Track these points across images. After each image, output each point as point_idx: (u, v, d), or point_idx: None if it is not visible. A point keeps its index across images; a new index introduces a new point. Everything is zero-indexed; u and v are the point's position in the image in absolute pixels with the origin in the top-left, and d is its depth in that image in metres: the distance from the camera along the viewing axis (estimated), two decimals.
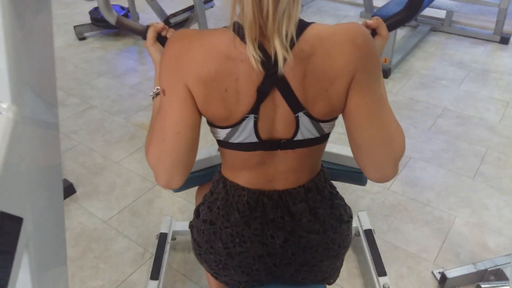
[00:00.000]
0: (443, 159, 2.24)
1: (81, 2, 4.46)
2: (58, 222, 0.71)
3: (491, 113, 2.64)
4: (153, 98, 1.01)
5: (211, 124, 0.89)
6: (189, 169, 0.88)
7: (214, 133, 0.90)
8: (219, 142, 0.91)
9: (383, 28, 0.98)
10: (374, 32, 0.98)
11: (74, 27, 3.71)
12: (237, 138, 0.87)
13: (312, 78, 0.80)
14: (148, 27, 1.03)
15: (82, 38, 3.68)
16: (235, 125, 0.84)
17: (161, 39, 1.02)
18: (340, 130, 2.62)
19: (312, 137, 0.88)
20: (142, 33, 1.07)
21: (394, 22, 1.02)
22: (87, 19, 3.75)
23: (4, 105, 0.52)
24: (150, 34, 1.02)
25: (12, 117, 0.52)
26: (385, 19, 0.99)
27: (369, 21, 0.98)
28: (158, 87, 0.99)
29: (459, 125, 2.54)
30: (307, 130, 0.86)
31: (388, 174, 0.85)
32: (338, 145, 1.36)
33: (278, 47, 0.75)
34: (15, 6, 0.51)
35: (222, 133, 0.87)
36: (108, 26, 3.73)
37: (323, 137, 0.90)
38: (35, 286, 0.57)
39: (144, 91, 2.96)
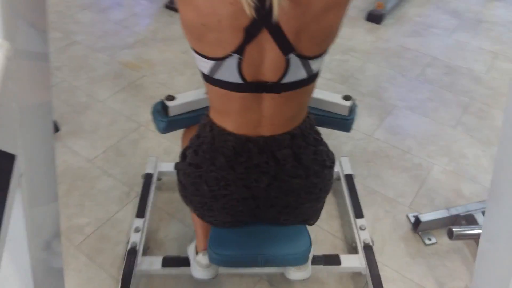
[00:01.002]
0: (427, 108, 2.27)
1: None
2: (49, 159, 0.71)
3: (479, 64, 2.65)
4: None
5: (194, 50, 0.87)
6: None
7: (198, 65, 0.89)
8: (204, 76, 0.90)
9: None
10: None
11: None
12: (220, 75, 0.86)
13: (302, 15, 0.78)
14: None
15: None
16: (217, 60, 0.83)
17: None
18: (328, 76, 2.60)
19: (300, 78, 0.87)
20: None
21: None
22: None
23: None
24: None
25: (4, 53, 0.50)
26: None
27: None
28: None
29: (446, 74, 2.54)
30: (296, 71, 0.85)
31: None
32: (324, 91, 1.36)
33: None
34: None
35: (205, 65, 0.86)
36: None
37: (311, 78, 0.90)
38: (28, 222, 0.59)
39: (130, 27, 2.86)
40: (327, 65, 2.50)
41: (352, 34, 2.88)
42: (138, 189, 1.73)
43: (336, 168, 1.80)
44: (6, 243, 0.49)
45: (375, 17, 3.01)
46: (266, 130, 0.95)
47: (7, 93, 0.51)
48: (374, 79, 2.46)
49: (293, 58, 0.83)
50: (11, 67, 0.52)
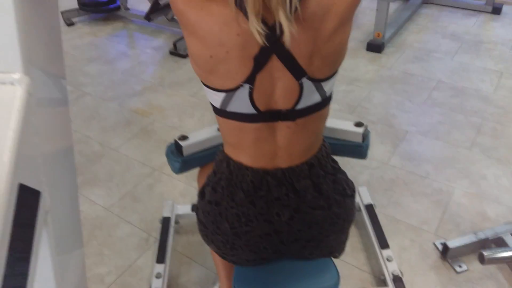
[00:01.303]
0: (440, 132, 2.25)
1: None
2: (73, 199, 0.70)
3: (485, 84, 2.65)
4: None
5: (205, 85, 0.87)
6: None
7: (210, 99, 0.89)
8: (216, 111, 0.89)
9: None
10: None
11: (62, 12, 3.63)
12: (232, 107, 0.85)
13: (312, 39, 0.79)
14: None
15: (70, 24, 3.61)
16: (228, 91, 0.83)
17: None
18: (335, 107, 2.62)
19: (315, 102, 0.87)
20: None
21: None
22: (74, 4, 3.67)
23: (16, 76, 0.51)
24: None
25: (25, 88, 0.51)
26: None
27: None
28: None
29: (454, 97, 2.54)
30: (310, 95, 0.85)
31: None
32: (335, 120, 1.36)
33: (283, 20, 0.74)
34: None
35: (217, 98, 0.85)
36: (96, 10, 3.66)
37: (325, 101, 0.89)
38: (56, 267, 0.57)
39: (137, 75, 2.93)
40: (334, 97, 2.51)
41: (355, 64, 2.92)
42: (156, 234, 1.71)
43: (356, 199, 1.76)
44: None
45: (375, 47, 3.06)
46: (283, 161, 0.94)
47: (30, 128, 0.51)
48: (382, 107, 2.46)
49: (306, 82, 0.82)
50: (32, 102, 0.52)
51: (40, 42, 0.58)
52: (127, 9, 3.67)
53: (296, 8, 0.74)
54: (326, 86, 0.87)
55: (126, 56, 3.19)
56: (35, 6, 0.55)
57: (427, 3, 3.75)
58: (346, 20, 0.81)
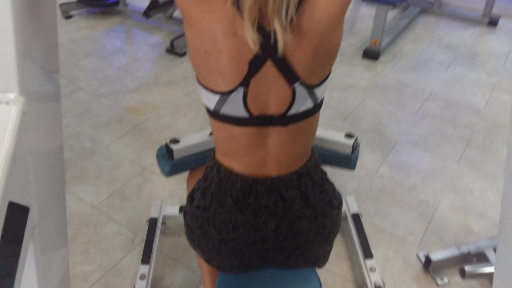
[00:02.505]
0: (430, 143, 2.28)
1: None
2: (60, 207, 0.72)
3: (477, 97, 2.68)
4: None
5: (202, 85, 0.88)
6: None
7: (205, 101, 0.90)
8: (210, 113, 0.91)
9: None
10: None
11: (60, 5, 3.61)
12: (226, 110, 0.86)
13: (307, 45, 0.80)
14: None
15: (68, 17, 3.59)
16: (223, 94, 0.84)
17: None
18: (328, 113, 2.63)
19: (306, 108, 0.88)
20: None
21: None
22: None
23: (12, 96, 0.52)
24: None
25: (19, 107, 0.52)
26: None
27: None
28: None
29: (446, 108, 2.57)
30: (302, 101, 0.86)
31: None
32: (326, 129, 1.37)
33: (278, 29, 0.75)
34: None
35: (212, 100, 0.86)
36: (94, 4, 3.64)
37: (316, 107, 0.90)
38: (39, 270, 0.59)
39: (132, 72, 2.92)
40: (327, 103, 2.54)
41: (350, 71, 2.94)
42: (143, 234, 1.71)
43: (343, 207, 1.78)
44: None
45: (371, 54, 3.08)
46: (273, 169, 0.95)
47: (22, 146, 0.52)
48: (374, 115, 2.48)
49: (298, 87, 0.84)
50: (26, 121, 0.53)
51: (35, 35, 0.59)
52: (126, 4, 3.66)
53: (292, 18, 0.75)
54: (318, 92, 0.88)
55: (122, 52, 3.18)
56: (35, 27, 0.56)
57: (425, 13, 3.78)
58: (338, 21, 0.82)
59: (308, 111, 0.89)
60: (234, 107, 0.85)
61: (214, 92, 0.85)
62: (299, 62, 0.81)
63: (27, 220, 0.53)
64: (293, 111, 0.87)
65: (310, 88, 0.85)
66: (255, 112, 0.86)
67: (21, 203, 0.52)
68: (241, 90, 0.82)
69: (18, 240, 0.51)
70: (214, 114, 0.89)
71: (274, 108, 0.86)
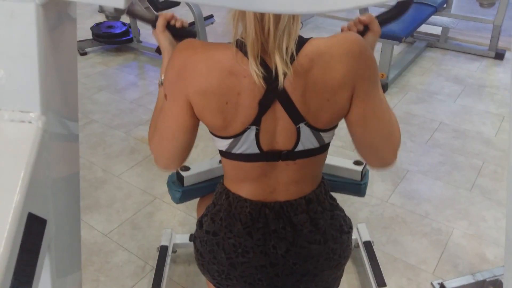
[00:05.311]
0: (440, 172, 2.27)
1: (83, 18, 4.52)
2: (75, 227, 0.74)
3: (487, 127, 2.68)
4: (159, 85, 1.05)
5: (212, 133, 0.92)
6: (184, 159, 0.97)
7: (216, 144, 0.93)
8: (221, 152, 0.94)
9: (375, 24, 1.01)
10: (366, 28, 1.01)
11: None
12: (239, 149, 0.89)
13: (312, 90, 0.83)
14: (157, 16, 1.08)
15: (83, 53, 3.72)
16: (236, 136, 0.87)
17: (170, 28, 1.06)
18: (338, 144, 2.64)
19: (313, 147, 0.90)
20: (152, 21, 1.11)
21: (385, 18, 1.05)
22: (88, 35, 3.80)
23: (34, 115, 0.55)
24: (160, 22, 1.07)
25: (41, 126, 0.55)
26: (377, 16, 1.03)
27: (362, 17, 1.01)
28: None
29: (456, 138, 2.57)
30: (307, 140, 0.89)
31: (391, 162, 0.93)
32: (336, 157, 1.39)
33: (278, 63, 0.79)
34: (47, 21, 0.55)
35: (224, 143, 0.90)
36: (109, 41, 3.78)
37: (323, 147, 0.93)
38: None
39: (145, 105, 2.99)
40: (337, 133, 2.55)
41: None
42: (154, 262, 1.71)
43: (354, 235, 1.76)
44: None
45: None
46: (281, 195, 0.97)
47: (42, 162, 0.55)
48: None
49: (303, 128, 0.87)
50: (46, 139, 0.57)
51: (57, 87, 0.63)
52: (139, 41, 3.79)
53: (292, 53, 0.79)
54: (325, 136, 0.91)
55: (135, 86, 3.27)
56: (57, 54, 0.60)
57: (431, 47, 3.84)
58: (344, 84, 0.83)
59: (314, 150, 0.92)
60: (247, 145, 0.89)
61: (227, 137, 0.89)
62: (303, 103, 0.84)
63: (45, 232, 0.55)
64: (300, 148, 0.90)
65: (316, 131, 0.88)
66: (266, 148, 0.89)
67: (39, 215, 0.54)
68: (253, 129, 0.86)
69: (36, 250, 0.53)
70: (226, 154, 0.93)
71: (282, 144, 0.89)
